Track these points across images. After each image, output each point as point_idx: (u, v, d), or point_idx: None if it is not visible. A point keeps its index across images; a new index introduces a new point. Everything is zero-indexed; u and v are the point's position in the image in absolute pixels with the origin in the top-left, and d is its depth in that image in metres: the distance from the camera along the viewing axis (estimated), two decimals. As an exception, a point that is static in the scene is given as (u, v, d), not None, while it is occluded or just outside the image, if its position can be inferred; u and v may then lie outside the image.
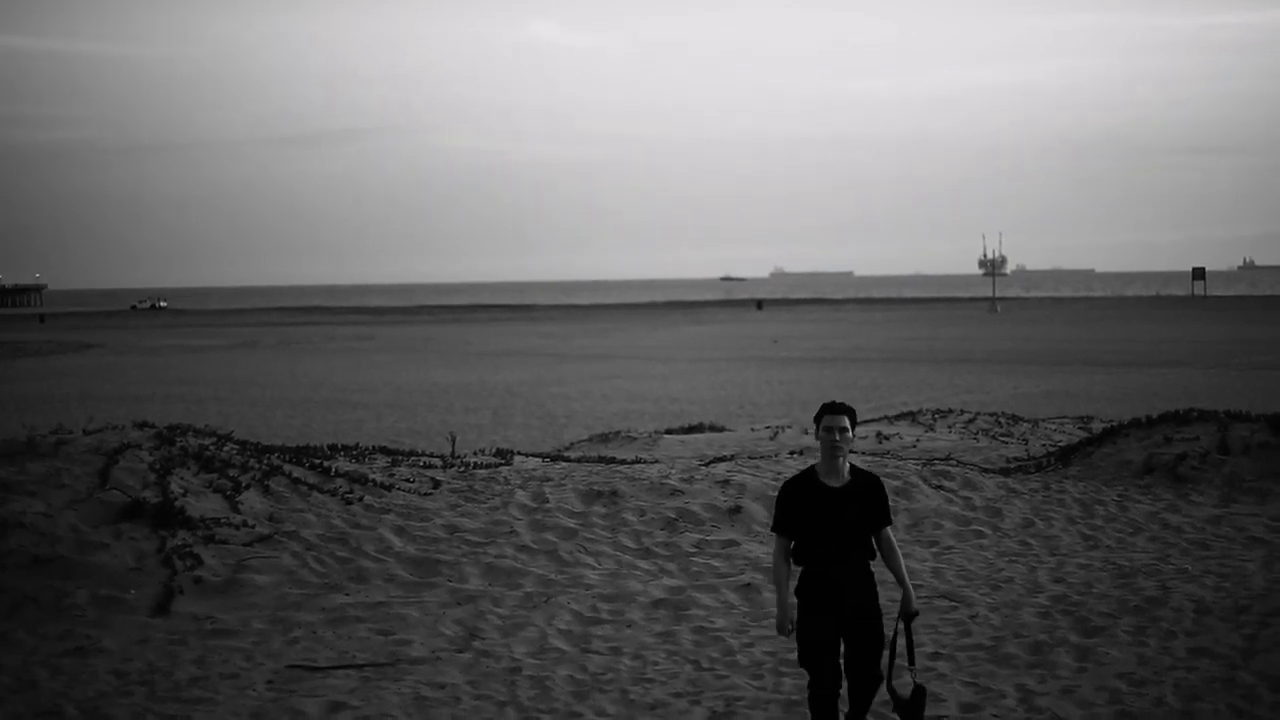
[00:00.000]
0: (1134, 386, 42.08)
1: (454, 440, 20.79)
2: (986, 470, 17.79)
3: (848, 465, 8.50)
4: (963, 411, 27.90)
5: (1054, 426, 25.54)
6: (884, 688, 8.74)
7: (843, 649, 8.49)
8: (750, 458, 18.04)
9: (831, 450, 8.40)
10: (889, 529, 8.58)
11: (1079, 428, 25.14)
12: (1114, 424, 21.05)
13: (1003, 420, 26.34)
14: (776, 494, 7.92)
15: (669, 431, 26.31)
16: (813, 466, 8.57)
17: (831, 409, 8.50)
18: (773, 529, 8.65)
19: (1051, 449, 20.52)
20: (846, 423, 8.47)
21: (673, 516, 14.86)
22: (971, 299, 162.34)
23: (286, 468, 14.78)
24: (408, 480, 15.34)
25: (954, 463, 18.03)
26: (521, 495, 15.18)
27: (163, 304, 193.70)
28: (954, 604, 12.13)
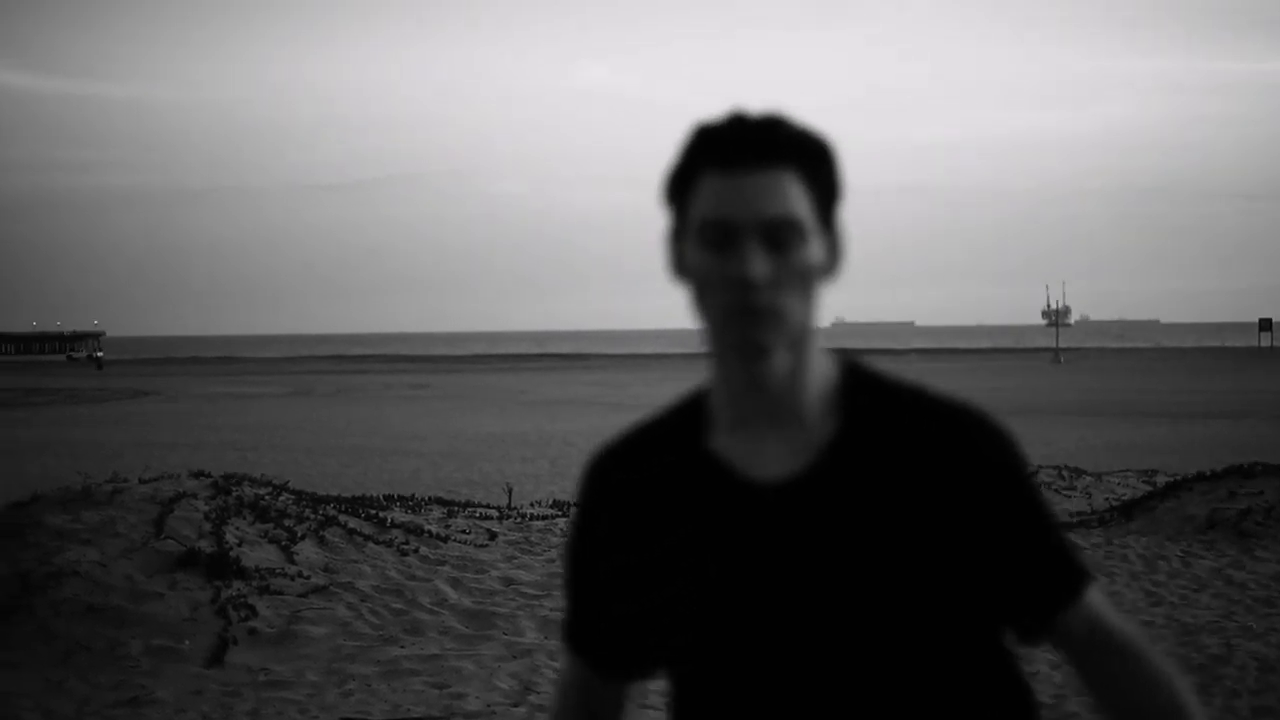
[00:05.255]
0: (1199, 439, 41.69)
1: (510, 491, 20.74)
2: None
3: (821, 373, 2.25)
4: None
5: (1117, 480, 25.26)
6: None
7: None
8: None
9: (744, 319, 2.13)
10: (1091, 606, 2.30)
11: (1143, 481, 24.86)
12: (1177, 478, 20.80)
13: (1065, 474, 26.06)
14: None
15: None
16: (693, 398, 2.32)
17: (723, 142, 2.15)
18: (565, 638, 2.52)
19: (1114, 503, 20.29)
20: (793, 207, 2.14)
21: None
22: (1034, 349, 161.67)
23: (342, 518, 14.78)
24: (464, 531, 15.30)
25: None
26: (577, 547, 15.08)
27: (99, 354, 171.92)
28: (1014, 661, 11.97)
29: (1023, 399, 67.13)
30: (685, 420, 2.32)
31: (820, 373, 2.26)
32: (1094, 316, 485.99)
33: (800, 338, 2.19)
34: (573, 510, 2.50)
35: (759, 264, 2.11)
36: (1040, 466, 27.09)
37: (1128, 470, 28.49)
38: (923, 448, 2.23)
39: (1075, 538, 16.74)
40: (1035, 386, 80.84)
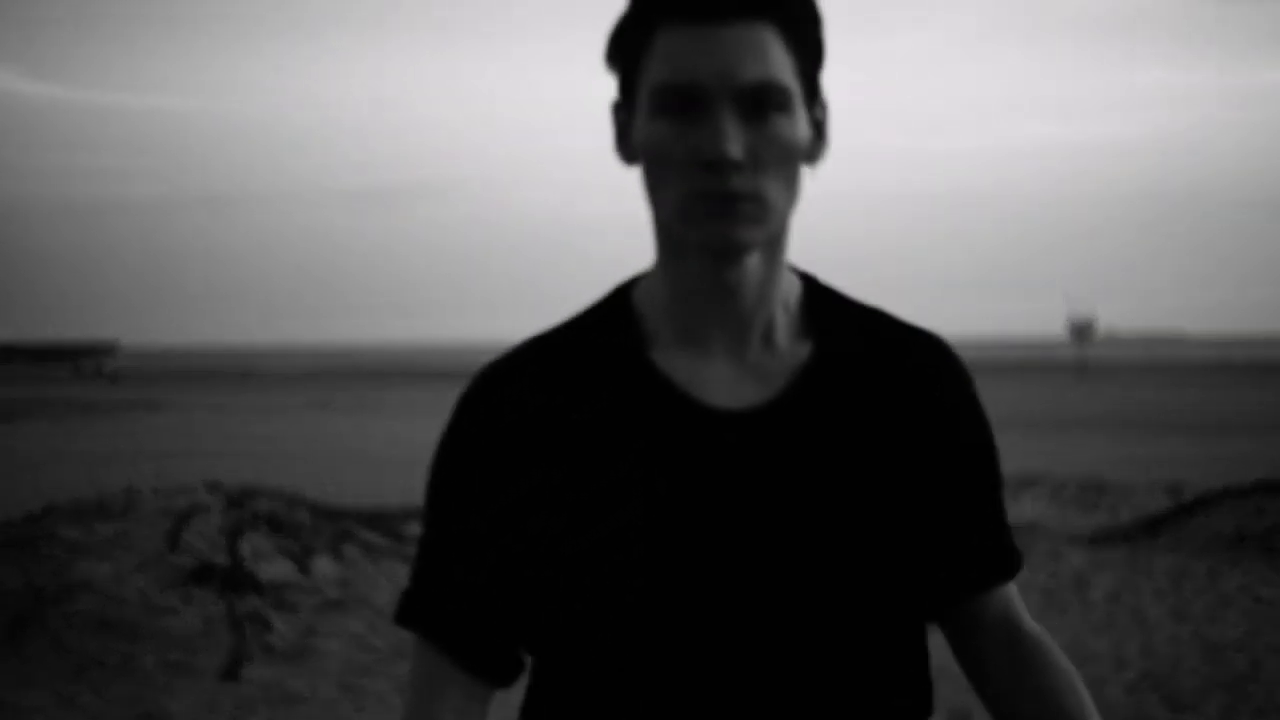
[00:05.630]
0: (1226, 453, 41.49)
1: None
2: (1073, 540, 17.48)
3: (788, 284, 1.87)
4: (1050, 479, 27.52)
5: (1144, 495, 25.12)
6: None
7: None
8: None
9: (717, 208, 1.71)
10: (1011, 593, 1.98)
11: (1169, 496, 24.72)
12: (1205, 493, 20.66)
13: (1090, 488, 25.95)
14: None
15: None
16: (615, 302, 1.88)
17: None
18: (397, 614, 1.98)
19: (1140, 518, 20.17)
20: (777, 70, 1.72)
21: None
22: (1057, 363, 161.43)
23: (358, 532, 14.73)
24: (481, 545, 15.23)
25: (1040, 532, 17.74)
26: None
27: (109, 366, 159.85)
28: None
29: (1047, 412, 67.01)
30: (611, 329, 1.86)
31: (788, 283, 1.88)
32: (1120, 329, 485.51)
33: (777, 236, 1.81)
34: (445, 437, 1.96)
35: (737, 138, 1.71)
36: (1065, 481, 26.97)
37: (1154, 484, 28.33)
38: (894, 382, 1.86)
39: (1100, 554, 16.61)
40: (1059, 400, 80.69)
